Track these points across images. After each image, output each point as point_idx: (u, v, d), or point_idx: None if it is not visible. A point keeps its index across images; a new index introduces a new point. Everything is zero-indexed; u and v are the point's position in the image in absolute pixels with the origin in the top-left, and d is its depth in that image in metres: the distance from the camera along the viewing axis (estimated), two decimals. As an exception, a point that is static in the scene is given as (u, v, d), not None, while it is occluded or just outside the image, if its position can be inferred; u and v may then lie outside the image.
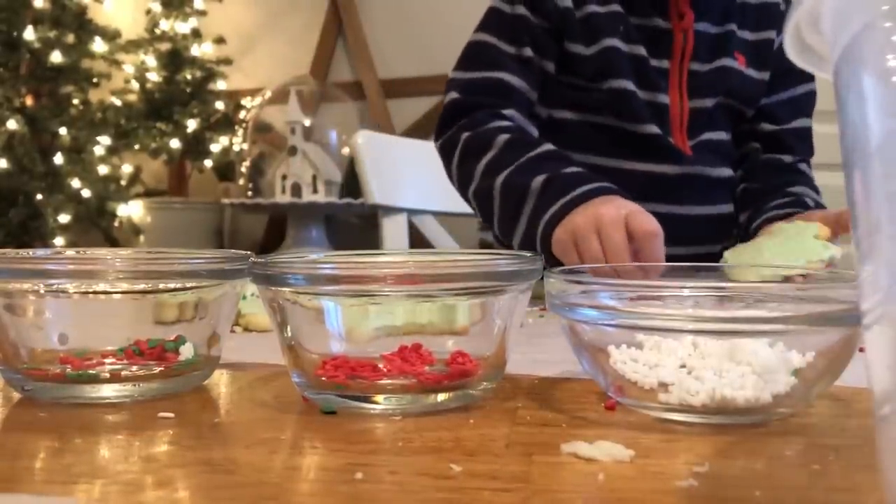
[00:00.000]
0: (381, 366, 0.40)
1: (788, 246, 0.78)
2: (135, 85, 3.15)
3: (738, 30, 1.03)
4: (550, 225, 0.82)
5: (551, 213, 0.82)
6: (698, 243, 1.00)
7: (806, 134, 1.09)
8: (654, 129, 0.97)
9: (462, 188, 0.99)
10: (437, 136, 1.02)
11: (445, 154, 1.00)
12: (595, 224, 0.77)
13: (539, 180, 0.86)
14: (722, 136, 1.04)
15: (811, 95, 1.09)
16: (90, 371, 0.42)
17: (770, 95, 1.06)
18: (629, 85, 0.96)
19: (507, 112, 0.97)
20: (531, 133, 0.99)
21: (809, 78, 1.08)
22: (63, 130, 2.89)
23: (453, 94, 1.01)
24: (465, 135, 0.96)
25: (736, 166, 1.07)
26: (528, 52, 0.98)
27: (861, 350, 0.27)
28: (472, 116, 0.97)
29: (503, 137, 0.92)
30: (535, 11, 0.98)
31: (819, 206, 0.99)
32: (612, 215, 0.76)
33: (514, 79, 0.98)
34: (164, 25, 3.10)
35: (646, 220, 0.75)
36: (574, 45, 0.98)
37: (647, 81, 0.97)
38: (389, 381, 0.39)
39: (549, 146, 0.92)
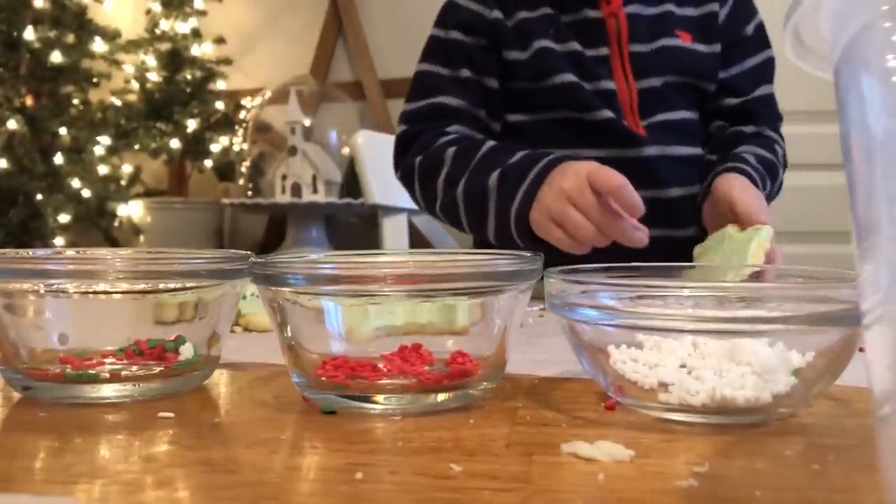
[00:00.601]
0: (381, 366, 0.40)
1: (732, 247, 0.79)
2: (135, 85, 3.15)
3: (678, 7, 1.04)
4: (521, 214, 0.84)
5: (518, 203, 0.85)
6: (677, 225, 1.01)
7: (769, 101, 1.10)
8: (607, 113, 0.99)
9: (429, 208, 1.03)
10: (395, 168, 1.07)
11: (407, 182, 1.05)
12: (565, 197, 0.79)
13: (494, 177, 0.89)
14: (681, 115, 1.04)
15: (770, 62, 1.09)
16: (90, 371, 0.42)
17: (727, 69, 1.06)
18: (571, 77, 0.99)
19: (449, 129, 1.01)
20: (475, 137, 1.02)
21: (766, 45, 1.09)
22: (63, 130, 2.89)
23: (401, 128, 1.06)
24: (418, 159, 1.00)
25: (703, 144, 1.07)
26: (465, 72, 1.02)
27: (861, 350, 0.27)
28: (419, 142, 1.02)
29: (451, 150, 0.97)
30: (468, 31, 1.02)
31: (766, 161, 0.99)
32: (575, 184, 0.79)
33: (453, 100, 1.02)
34: (164, 25, 3.10)
35: (607, 176, 0.77)
36: (510, 53, 1.01)
37: (587, 72, 0.99)
38: (389, 381, 0.39)
39: (491, 143, 0.96)
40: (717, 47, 1.05)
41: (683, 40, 1.03)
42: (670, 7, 1.03)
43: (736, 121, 1.07)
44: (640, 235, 0.78)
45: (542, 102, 1.02)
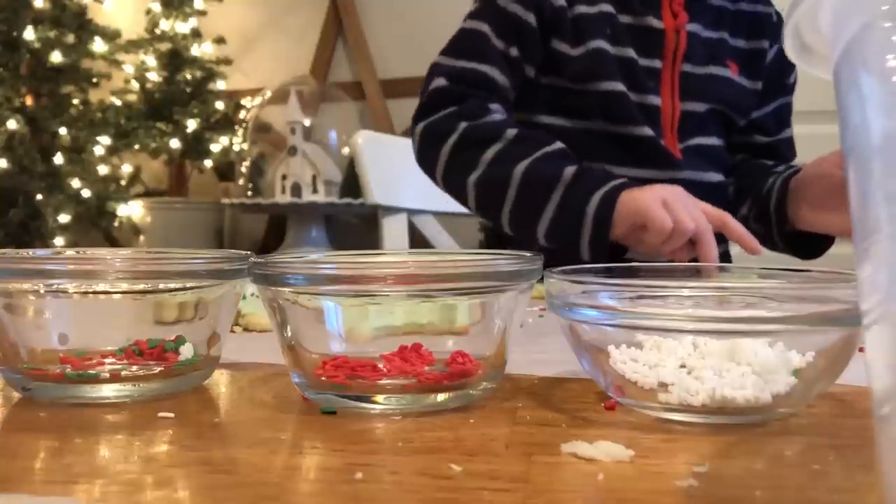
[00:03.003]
0: (381, 366, 0.40)
1: None
2: (135, 85, 3.15)
3: (731, 37, 1.02)
4: (610, 194, 0.82)
5: (609, 188, 0.83)
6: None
7: (792, 142, 1.11)
8: (647, 130, 0.97)
9: (454, 175, 0.96)
10: (417, 118, 1.00)
11: (430, 137, 0.98)
12: (678, 195, 0.80)
13: (569, 171, 0.86)
14: (713, 141, 1.03)
15: (789, 106, 1.11)
16: (90, 371, 0.42)
17: (760, 107, 1.06)
18: (619, 86, 0.96)
19: (493, 107, 0.97)
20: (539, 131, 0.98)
21: (790, 90, 1.10)
22: (63, 130, 2.90)
23: (440, 81, 1.00)
24: (464, 124, 0.94)
25: (728, 174, 1.07)
26: (514, 51, 0.98)
27: (861, 350, 0.27)
28: (463, 106, 0.96)
29: (512, 131, 0.92)
30: (528, 9, 0.98)
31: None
32: (687, 195, 0.81)
33: (498, 75, 0.98)
34: (164, 25, 3.10)
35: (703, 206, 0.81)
36: (560, 44, 0.98)
37: (637, 83, 0.97)
38: (389, 381, 0.39)
39: (562, 145, 0.92)
40: (758, 84, 1.04)
41: (732, 71, 1.01)
42: (725, 35, 1.01)
43: (760, 157, 1.08)
44: (753, 244, 0.81)
45: (580, 107, 0.99)
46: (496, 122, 0.94)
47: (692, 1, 0.99)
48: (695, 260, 0.81)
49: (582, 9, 0.97)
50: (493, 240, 1.13)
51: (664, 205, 0.80)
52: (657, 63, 0.98)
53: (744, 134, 1.07)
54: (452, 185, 0.97)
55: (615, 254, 0.87)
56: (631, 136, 0.96)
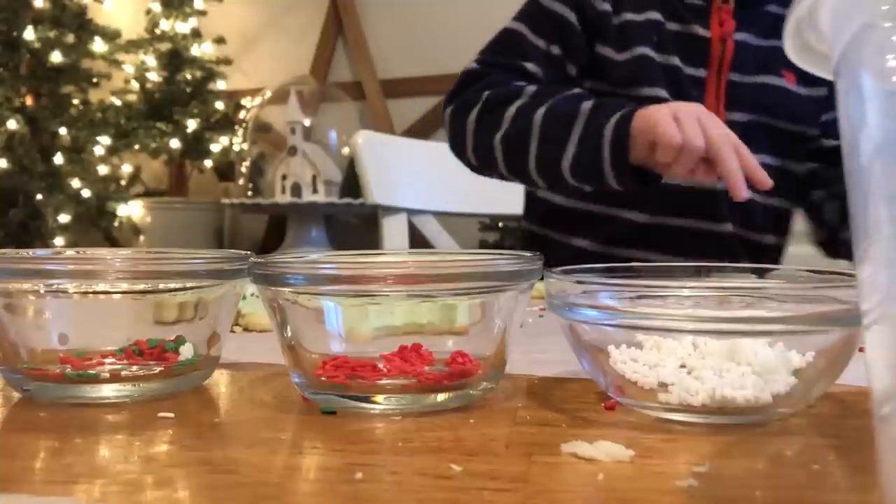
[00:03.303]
0: (381, 366, 0.40)
1: None
2: (135, 85, 3.16)
3: None
4: (625, 117, 0.80)
5: (622, 113, 0.81)
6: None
7: None
8: None
9: (481, 140, 0.95)
10: (448, 101, 1.00)
11: (459, 113, 0.97)
12: (694, 111, 0.77)
13: (587, 105, 0.84)
14: (758, 158, 0.96)
15: None
16: (90, 371, 0.42)
17: (828, 111, 1.01)
18: (662, 93, 0.94)
19: (521, 82, 0.95)
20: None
21: None
22: (63, 130, 2.90)
23: (470, 65, 1.00)
24: (487, 92, 0.94)
25: (784, 194, 1.01)
26: (556, 49, 0.97)
27: (861, 350, 0.27)
28: (489, 79, 0.95)
29: (532, 88, 0.91)
30: (574, 11, 0.97)
31: None
32: (708, 113, 0.77)
33: (534, 68, 0.96)
34: (164, 25, 3.10)
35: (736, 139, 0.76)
36: (605, 49, 0.96)
37: (680, 91, 0.94)
38: (389, 381, 0.39)
39: (579, 90, 0.90)
40: (822, 91, 1.00)
41: (787, 81, 0.98)
42: (781, 43, 0.97)
43: (832, 162, 1.02)
44: (762, 176, 0.75)
45: None
46: (519, 85, 0.93)
47: (744, 10, 0.97)
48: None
49: (629, 16, 0.96)
50: (531, 241, 1.11)
51: (675, 120, 0.77)
52: (702, 72, 0.96)
53: (813, 140, 1.02)
54: (481, 154, 0.96)
55: (645, 181, 0.84)
56: None
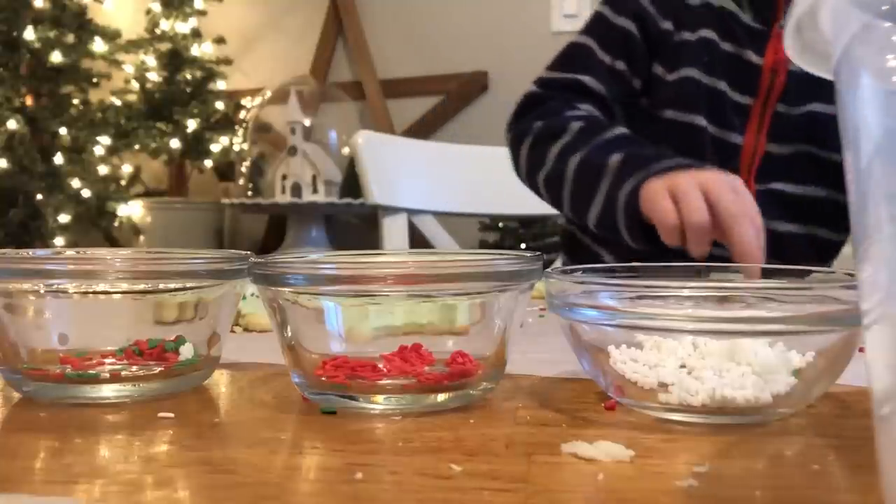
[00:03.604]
0: (381, 366, 0.40)
1: None
2: (135, 85, 3.15)
3: None
4: (637, 186, 0.77)
5: (637, 178, 0.77)
6: None
7: None
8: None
9: (531, 175, 0.95)
10: (508, 127, 1.00)
11: (516, 144, 0.97)
12: (697, 182, 0.70)
13: (616, 158, 0.82)
14: (802, 189, 0.93)
15: None
16: (90, 371, 0.42)
17: None
18: (700, 120, 0.91)
19: (579, 105, 0.94)
20: (605, 120, 0.94)
21: None
22: (63, 130, 2.90)
23: (531, 88, 0.99)
24: (538, 123, 0.93)
25: (831, 224, 0.95)
26: (621, 65, 0.96)
27: (861, 350, 0.27)
28: (545, 107, 0.95)
29: (577, 124, 0.90)
30: (639, 26, 0.95)
31: None
32: (720, 179, 0.70)
33: (595, 84, 0.95)
34: (164, 25, 3.10)
35: (751, 199, 0.70)
36: (658, 68, 0.95)
37: (721, 118, 0.91)
38: (389, 381, 0.39)
39: (623, 129, 0.89)
40: None
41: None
42: None
43: None
44: (758, 255, 0.67)
45: (654, 133, 0.91)
46: (568, 116, 0.91)
47: None
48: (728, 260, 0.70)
49: (685, 35, 0.93)
50: (569, 242, 1.09)
51: (672, 194, 0.72)
52: (748, 99, 0.91)
53: None
54: (533, 186, 0.96)
55: (666, 249, 0.80)
56: None
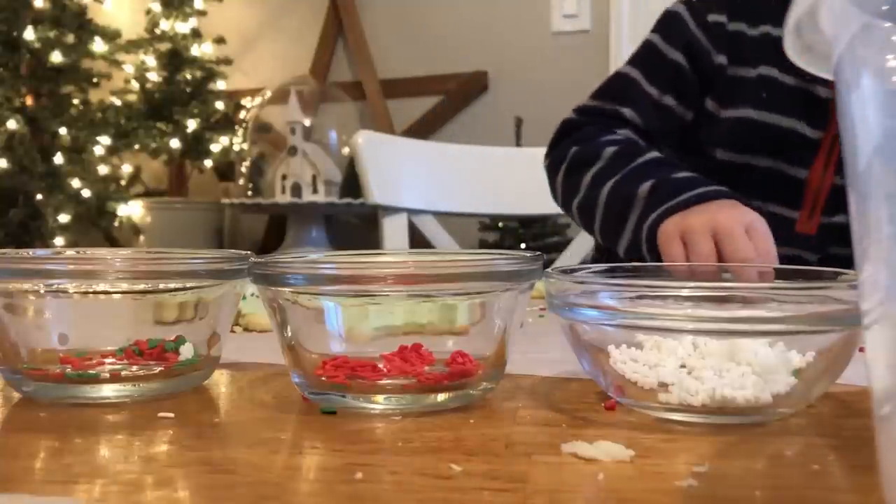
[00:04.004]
0: (381, 366, 0.40)
1: None
2: (135, 85, 3.15)
3: None
4: (656, 223, 0.76)
5: (658, 213, 0.76)
6: None
7: None
8: (777, 208, 0.87)
9: (566, 202, 0.93)
10: (547, 152, 0.98)
11: (553, 170, 0.95)
12: (711, 227, 0.70)
13: (645, 187, 0.80)
14: None
15: None
16: (90, 371, 0.42)
17: None
18: (756, 160, 0.88)
19: (620, 130, 0.91)
20: (642, 144, 0.91)
21: None
22: (63, 130, 2.90)
23: (569, 115, 0.97)
24: (574, 149, 0.91)
25: None
26: (669, 100, 0.92)
27: (861, 350, 0.27)
28: (581, 132, 0.93)
29: (611, 149, 0.87)
30: (691, 60, 0.91)
31: None
32: (732, 221, 0.69)
33: (636, 117, 0.92)
34: (164, 25, 3.10)
35: (764, 239, 0.69)
36: (710, 103, 0.91)
37: (783, 154, 0.87)
38: (389, 381, 0.39)
39: (656, 153, 0.86)
40: None
41: None
42: None
43: None
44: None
45: (707, 169, 0.86)
46: (603, 142, 0.89)
47: None
48: None
49: (741, 71, 0.89)
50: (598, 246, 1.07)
51: (683, 238, 0.71)
52: (817, 133, 0.86)
53: None
54: (570, 213, 0.94)
55: None
56: (756, 209, 0.79)
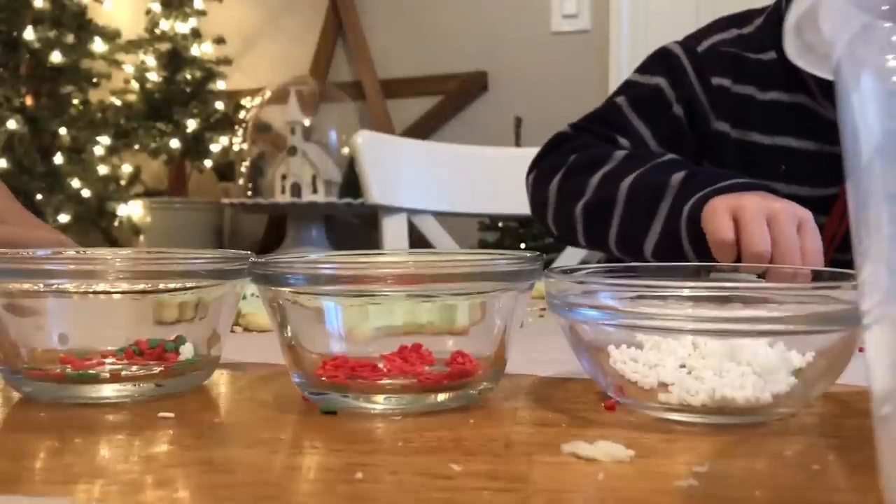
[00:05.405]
0: (381, 366, 0.40)
1: None
2: (135, 85, 3.15)
3: None
4: (703, 200, 0.70)
5: (704, 193, 0.71)
6: None
7: None
8: None
9: (565, 209, 0.86)
10: (532, 166, 0.92)
11: (542, 179, 0.88)
12: (766, 212, 0.65)
13: (678, 176, 0.75)
14: None
15: None
16: (90, 371, 0.42)
17: None
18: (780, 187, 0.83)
19: (622, 141, 0.87)
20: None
21: None
22: (63, 130, 2.90)
23: (562, 128, 0.93)
24: (574, 156, 0.86)
25: None
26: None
27: (861, 350, 0.27)
28: (578, 141, 0.88)
29: (622, 153, 0.83)
30: (689, 119, 0.87)
31: None
32: (788, 211, 0.65)
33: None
34: (164, 25, 3.10)
35: (815, 238, 0.65)
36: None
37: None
38: (389, 381, 0.39)
39: (675, 155, 0.82)
40: None
41: None
42: None
43: None
44: None
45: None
46: (608, 148, 0.85)
47: None
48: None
49: (754, 136, 0.84)
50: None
51: (735, 216, 0.66)
52: (832, 190, 0.82)
53: None
54: (563, 225, 0.88)
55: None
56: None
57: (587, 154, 0.86)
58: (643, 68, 0.92)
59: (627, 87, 0.92)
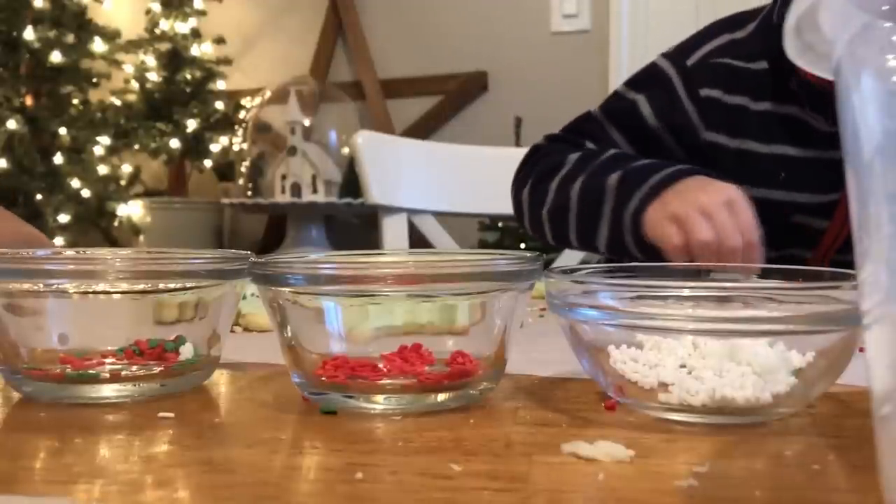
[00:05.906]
0: (381, 366, 0.40)
1: None
2: (135, 85, 3.15)
3: None
4: (639, 210, 0.76)
5: (637, 201, 0.76)
6: None
7: None
8: (794, 251, 0.85)
9: (534, 215, 0.92)
10: (513, 181, 0.97)
11: (517, 191, 0.94)
12: (697, 206, 0.71)
13: (614, 178, 0.80)
14: None
15: None
16: (90, 371, 0.42)
17: None
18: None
19: (588, 144, 0.91)
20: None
21: None
22: (63, 130, 2.90)
23: (539, 141, 0.97)
24: (537, 167, 0.92)
25: None
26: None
27: (861, 350, 0.27)
28: (548, 149, 0.93)
29: (574, 155, 0.88)
30: (676, 137, 0.88)
31: None
32: (715, 200, 0.70)
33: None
34: (164, 25, 3.10)
35: (748, 219, 0.70)
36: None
37: (803, 218, 0.83)
38: (389, 381, 0.39)
39: (618, 151, 0.87)
40: None
41: None
42: None
43: None
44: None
45: None
46: (567, 154, 0.89)
47: None
48: None
49: (751, 145, 0.84)
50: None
51: (675, 221, 0.72)
52: (834, 196, 0.82)
53: None
54: (536, 228, 0.94)
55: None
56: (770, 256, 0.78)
57: (549, 161, 0.91)
58: (631, 83, 0.94)
59: (609, 99, 0.95)
